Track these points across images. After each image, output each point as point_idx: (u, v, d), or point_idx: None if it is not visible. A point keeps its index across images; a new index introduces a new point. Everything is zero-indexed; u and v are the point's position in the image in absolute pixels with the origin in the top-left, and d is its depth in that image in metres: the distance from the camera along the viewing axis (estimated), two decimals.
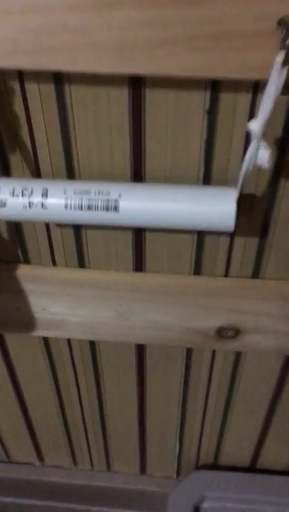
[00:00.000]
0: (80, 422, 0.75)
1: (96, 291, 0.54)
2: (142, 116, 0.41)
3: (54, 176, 0.45)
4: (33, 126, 0.42)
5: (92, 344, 0.61)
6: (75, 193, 0.40)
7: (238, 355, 0.60)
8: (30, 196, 0.41)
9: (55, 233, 0.50)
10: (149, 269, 0.52)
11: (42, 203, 0.41)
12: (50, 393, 0.70)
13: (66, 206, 0.40)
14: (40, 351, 0.63)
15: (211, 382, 0.64)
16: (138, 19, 0.33)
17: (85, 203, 0.40)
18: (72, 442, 0.80)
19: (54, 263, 0.53)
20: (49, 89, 0.40)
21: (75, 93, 0.40)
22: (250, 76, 0.35)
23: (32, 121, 0.42)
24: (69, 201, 0.40)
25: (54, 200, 0.40)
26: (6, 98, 0.40)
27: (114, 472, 0.85)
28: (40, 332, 0.58)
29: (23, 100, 0.41)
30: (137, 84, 0.39)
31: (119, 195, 0.40)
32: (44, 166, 0.44)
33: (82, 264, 0.52)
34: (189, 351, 0.61)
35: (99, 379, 0.66)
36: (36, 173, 0.45)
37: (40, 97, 0.40)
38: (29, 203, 0.41)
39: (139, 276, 0.52)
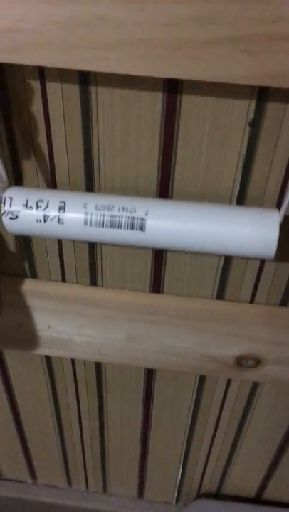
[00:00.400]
0: (78, 441, 0.70)
1: (107, 311, 0.49)
2: (176, 124, 0.36)
3: (71, 187, 0.40)
4: (52, 130, 0.37)
5: (98, 364, 0.57)
6: (96, 207, 0.36)
7: (254, 386, 0.56)
8: (45, 209, 0.36)
9: (68, 247, 0.45)
10: (168, 290, 0.47)
11: (58, 217, 0.36)
12: (47, 411, 0.65)
13: (86, 222, 0.36)
14: (40, 368, 0.59)
15: (222, 412, 0.60)
16: (186, 15, 0.28)
17: (107, 219, 0.36)
18: (67, 461, 0.75)
19: (64, 279, 0.48)
20: (73, 90, 0.35)
21: (101, 96, 0.35)
22: None
23: (51, 125, 0.37)
24: (89, 217, 0.36)
25: (72, 215, 0.36)
26: (23, 98, 0.36)
27: (111, 494, 0.80)
28: (43, 350, 0.54)
29: (43, 101, 0.36)
30: (173, 88, 0.34)
31: (147, 213, 0.36)
32: (61, 176, 0.40)
33: (94, 281, 0.48)
34: (202, 378, 0.56)
35: (102, 400, 0.62)
36: (52, 183, 0.40)
37: (62, 99, 0.36)
38: (44, 217, 0.36)
39: (156, 298, 0.48)
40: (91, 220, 0.36)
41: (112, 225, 0.36)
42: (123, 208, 0.36)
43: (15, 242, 0.45)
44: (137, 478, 0.75)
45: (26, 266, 0.48)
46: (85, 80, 0.35)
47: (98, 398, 0.61)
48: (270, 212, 0.35)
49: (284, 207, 0.34)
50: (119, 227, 0.36)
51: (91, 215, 0.36)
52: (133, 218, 0.36)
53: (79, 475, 0.77)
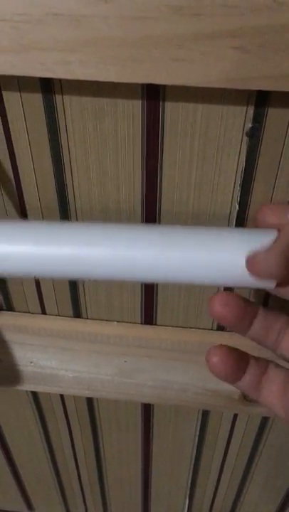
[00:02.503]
0: (75, 476, 0.65)
1: (95, 346, 0.44)
2: (160, 137, 0.30)
3: (43, 212, 0.35)
4: (15, 147, 0.32)
5: (90, 399, 0.51)
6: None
7: (264, 419, 0.50)
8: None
9: None
10: (161, 322, 0.42)
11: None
12: (40, 448, 0.60)
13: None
14: (27, 404, 0.53)
15: (229, 446, 0.54)
16: (162, 4, 0.23)
17: None
18: (66, 496, 0.70)
19: (44, 311, 0.43)
20: (35, 100, 0.29)
21: (69, 106, 0.30)
22: None
23: (13, 141, 0.31)
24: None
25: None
26: None
27: None
28: (28, 386, 0.48)
29: (1, 114, 0.30)
30: (154, 94, 0.29)
31: None
32: (30, 200, 0.34)
33: (77, 313, 0.42)
34: (206, 412, 0.50)
35: (97, 435, 0.56)
36: (20, 208, 0.35)
37: (23, 111, 0.30)
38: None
39: (148, 330, 0.42)
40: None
41: None
42: None
43: None
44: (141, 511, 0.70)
45: (0, 297, 0.42)
46: (48, 87, 0.29)
47: (93, 434, 0.56)
48: (270, 234, 0.29)
49: None
50: None
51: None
52: None
53: (78, 508, 0.72)
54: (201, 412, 0.50)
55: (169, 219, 0.34)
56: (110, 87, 0.28)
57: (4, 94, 0.29)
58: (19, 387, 0.48)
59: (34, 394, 0.52)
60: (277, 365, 0.31)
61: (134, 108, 0.29)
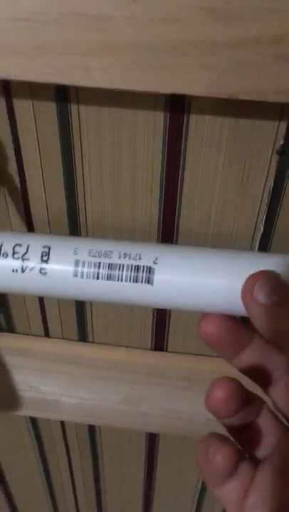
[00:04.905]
0: (73, 507, 0.61)
1: (100, 371, 0.41)
2: (182, 152, 0.28)
3: (51, 228, 0.32)
4: (24, 159, 0.29)
5: (92, 427, 0.48)
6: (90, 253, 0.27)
7: None
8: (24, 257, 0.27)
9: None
10: (173, 348, 0.39)
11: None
12: (37, 475, 0.57)
13: (76, 273, 0.27)
14: (25, 430, 0.50)
15: None
16: (196, 6, 0.20)
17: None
18: None
19: (47, 333, 0.40)
20: (48, 109, 0.27)
21: (85, 116, 0.27)
22: None
23: (22, 151, 0.29)
24: (80, 268, 0.27)
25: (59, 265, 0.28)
26: None
27: None
28: (26, 412, 0.45)
29: (10, 122, 0.28)
30: (178, 106, 0.26)
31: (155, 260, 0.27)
32: (38, 213, 0.32)
33: (83, 337, 0.40)
34: None
35: (97, 463, 0.53)
36: (27, 223, 0.32)
37: (34, 119, 0.28)
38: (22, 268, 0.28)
39: (158, 357, 0.40)
40: (83, 271, 0.27)
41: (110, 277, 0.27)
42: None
43: None
44: None
45: (1, 317, 0.39)
46: (63, 96, 0.27)
47: (93, 462, 0.53)
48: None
49: None
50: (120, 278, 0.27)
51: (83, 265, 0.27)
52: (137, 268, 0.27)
53: None
54: None
55: (187, 239, 0.32)
56: (131, 96, 0.26)
57: (15, 102, 0.27)
58: (18, 413, 0.45)
59: (33, 420, 0.49)
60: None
61: (155, 120, 0.27)
